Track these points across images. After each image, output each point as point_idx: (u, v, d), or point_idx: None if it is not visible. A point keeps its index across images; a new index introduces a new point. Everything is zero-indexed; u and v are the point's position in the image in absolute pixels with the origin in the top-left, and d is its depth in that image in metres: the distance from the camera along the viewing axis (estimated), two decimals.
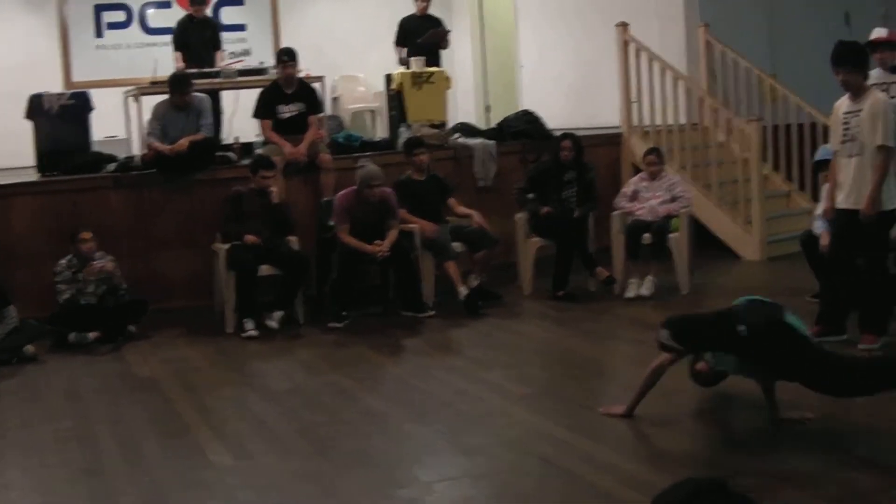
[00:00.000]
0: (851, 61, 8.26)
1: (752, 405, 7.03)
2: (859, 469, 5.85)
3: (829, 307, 8.75)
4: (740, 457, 6.24)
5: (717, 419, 6.98)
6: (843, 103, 8.50)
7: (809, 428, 6.55)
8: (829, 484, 5.66)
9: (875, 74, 10.14)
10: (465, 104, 18.27)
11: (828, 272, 8.93)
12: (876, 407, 6.85)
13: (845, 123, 8.40)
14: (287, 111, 11.96)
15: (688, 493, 2.47)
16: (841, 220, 8.47)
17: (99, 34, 17.16)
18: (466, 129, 13.71)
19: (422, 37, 14.91)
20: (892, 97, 9.88)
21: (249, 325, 10.24)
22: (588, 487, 5.83)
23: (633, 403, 6.95)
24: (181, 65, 13.77)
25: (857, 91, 8.34)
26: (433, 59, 14.82)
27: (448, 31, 15.45)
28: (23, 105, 12.37)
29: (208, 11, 15.12)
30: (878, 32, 10.75)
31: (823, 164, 10.00)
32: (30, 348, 9.83)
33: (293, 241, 10.92)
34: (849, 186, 8.36)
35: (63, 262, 10.36)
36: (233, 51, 16.97)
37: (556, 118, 14.34)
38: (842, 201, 8.42)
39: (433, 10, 15.61)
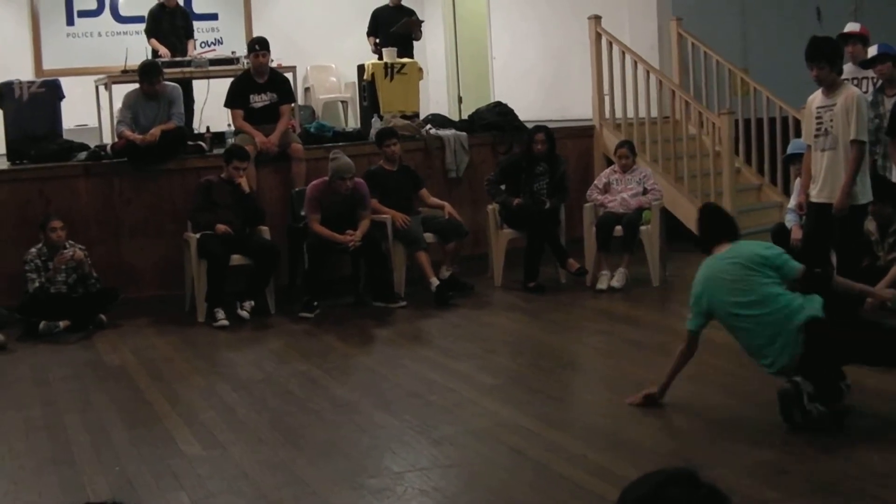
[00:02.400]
0: (826, 57, 8.27)
1: (723, 398, 7.06)
2: (828, 461, 5.89)
3: None
4: (711, 448, 6.26)
5: (687, 411, 6.99)
6: (817, 97, 8.52)
7: (778, 420, 6.57)
8: (799, 477, 5.69)
9: (847, 69, 10.19)
10: (437, 95, 18.28)
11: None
12: (850, 400, 6.90)
13: (818, 118, 8.42)
14: (259, 101, 11.92)
15: (657, 483, 2.47)
16: (814, 213, 8.50)
17: (70, 22, 17.08)
18: (438, 121, 13.70)
19: (394, 27, 14.91)
20: (864, 92, 9.93)
21: (220, 314, 10.23)
22: (558, 478, 5.85)
23: (663, 387, 6.98)
24: (164, 51, 13.74)
25: (831, 86, 8.36)
26: (406, 50, 14.83)
27: (421, 22, 15.46)
28: None
29: (180, 0, 15.08)
30: (851, 26, 10.81)
31: (795, 158, 10.06)
32: None
33: (264, 230, 10.90)
34: (822, 180, 8.39)
35: (33, 250, 10.32)
36: (204, 40, 16.95)
37: (527, 110, 14.34)
38: (815, 195, 8.45)
39: (406, 1, 15.61)
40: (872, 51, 10.16)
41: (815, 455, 5.99)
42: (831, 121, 8.31)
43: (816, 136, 8.46)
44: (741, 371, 7.37)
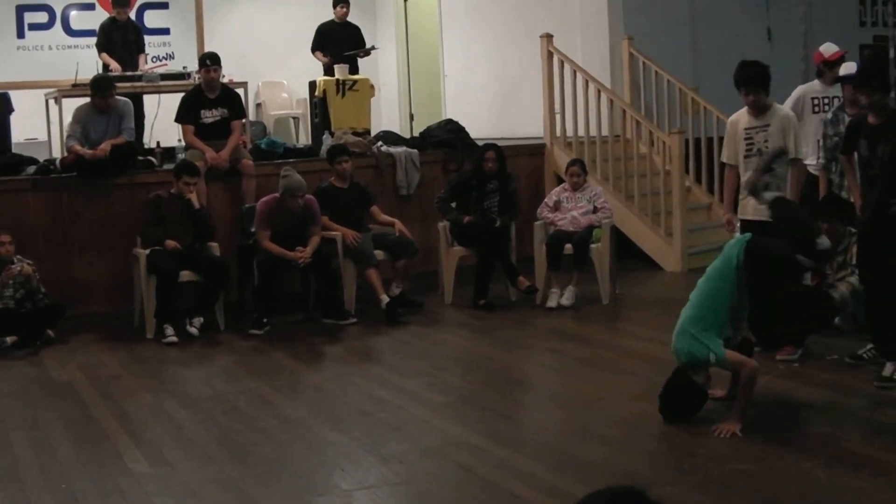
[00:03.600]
0: (760, 82, 8.46)
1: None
2: (775, 478, 5.92)
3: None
4: (659, 466, 6.28)
5: (636, 429, 7.01)
6: (742, 119, 8.68)
7: (728, 438, 6.60)
8: (746, 493, 5.72)
9: (815, 87, 10.35)
10: (388, 112, 18.29)
11: None
12: (798, 417, 6.96)
13: (748, 138, 8.55)
14: (210, 116, 11.89)
15: (605, 500, 2.48)
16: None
17: (21, 35, 16.95)
18: (389, 138, 13.70)
19: (340, 43, 14.93)
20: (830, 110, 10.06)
21: (169, 330, 10.16)
22: (507, 496, 5.85)
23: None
24: (115, 65, 13.67)
25: (762, 109, 8.52)
26: (352, 67, 14.87)
27: (375, 49, 15.56)
28: None
29: (132, 14, 15.02)
30: (830, 48, 10.80)
31: None
32: None
33: (214, 246, 10.86)
34: None
35: None
36: (156, 54, 16.88)
37: (479, 128, 14.39)
38: (752, 213, 8.50)
39: (356, 19, 15.64)
40: (851, 67, 10.14)
41: (763, 472, 6.03)
42: (765, 141, 8.46)
43: (747, 157, 8.58)
44: None
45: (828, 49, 10.74)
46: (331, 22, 15.49)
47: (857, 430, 6.85)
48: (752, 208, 8.50)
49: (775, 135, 8.41)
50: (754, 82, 8.43)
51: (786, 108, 9.18)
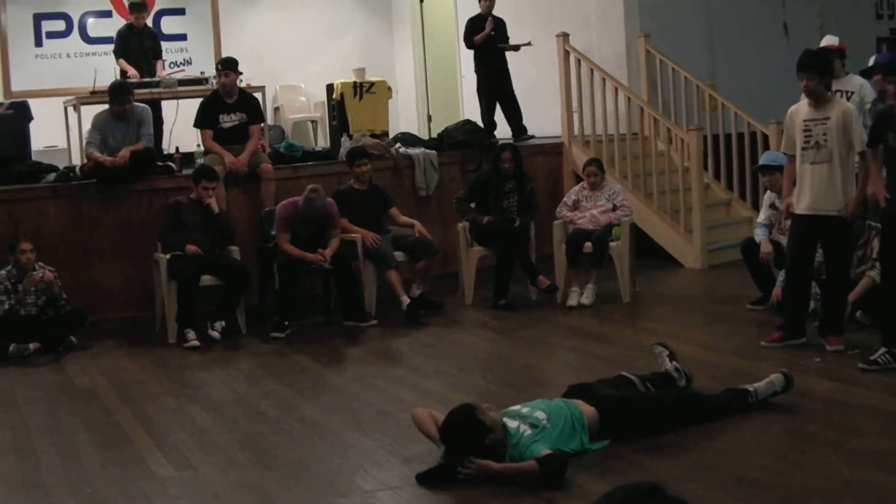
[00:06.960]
0: (815, 68, 8.31)
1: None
2: (799, 474, 5.91)
3: (790, 311, 8.78)
4: (680, 463, 6.27)
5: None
6: (801, 110, 8.51)
7: (749, 434, 6.60)
8: (770, 490, 5.72)
9: None
10: (406, 114, 18.28)
11: (789, 276, 8.90)
12: (818, 412, 6.95)
13: (807, 130, 8.40)
14: (228, 121, 11.91)
15: (625, 496, 2.49)
16: (803, 225, 8.49)
17: (38, 43, 17.02)
18: (407, 139, 13.70)
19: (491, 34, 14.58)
20: None
21: (191, 335, 10.20)
22: (530, 494, 5.84)
23: None
24: (133, 71, 13.70)
25: (819, 99, 8.37)
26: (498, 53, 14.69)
27: (530, 44, 15.12)
28: None
29: (149, 21, 15.06)
30: (829, 40, 10.82)
31: (766, 169, 10.08)
32: None
33: (234, 250, 10.89)
34: (814, 193, 8.38)
35: (2, 272, 10.28)
36: (173, 60, 16.93)
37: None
38: (806, 207, 8.44)
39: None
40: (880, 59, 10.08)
41: (784, 467, 6.02)
42: (824, 135, 8.31)
43: (805, 149, 8.43)
44: (710, 385, 7.39)
45: (825, 41, 10.75)
46: (479, 15, 15.00)
47: (879, 424, 6.83)
48: (806, 203, 8.45)
49: (835, 129, 8.29)
50: (805, 67, 8.30)
51: (845, 101, 9.04)
